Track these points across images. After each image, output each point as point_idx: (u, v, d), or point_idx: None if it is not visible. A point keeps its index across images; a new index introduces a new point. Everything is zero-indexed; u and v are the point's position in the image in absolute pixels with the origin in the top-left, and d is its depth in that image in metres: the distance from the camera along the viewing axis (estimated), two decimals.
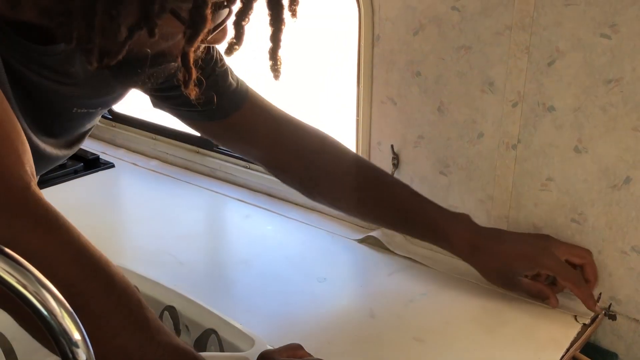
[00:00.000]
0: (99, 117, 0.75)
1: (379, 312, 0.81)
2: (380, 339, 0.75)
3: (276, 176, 0.91)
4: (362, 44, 0.92)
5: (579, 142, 0.77)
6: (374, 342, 0.74)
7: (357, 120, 0.98)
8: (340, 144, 0.88)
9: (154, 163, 1.36)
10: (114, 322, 0.50)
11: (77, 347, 0.31)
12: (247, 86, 0.82)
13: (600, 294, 0.80)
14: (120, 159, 1.36)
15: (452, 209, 0.90)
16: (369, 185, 0.87)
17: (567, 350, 0.74)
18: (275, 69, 0.55)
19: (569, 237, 0.81)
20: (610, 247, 0.78)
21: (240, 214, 1.13)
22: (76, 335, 0.31)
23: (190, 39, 0.49)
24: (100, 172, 1.30)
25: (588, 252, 0.80)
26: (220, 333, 0.76)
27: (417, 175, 0.94)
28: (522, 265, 0.79)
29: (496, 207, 0.87)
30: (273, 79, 0.56)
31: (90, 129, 0.73)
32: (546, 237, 0.82)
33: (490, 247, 0.81)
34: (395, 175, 0.97)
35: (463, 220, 0.83)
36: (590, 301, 0.77)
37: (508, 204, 0.85)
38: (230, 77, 0.79)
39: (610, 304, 0.80)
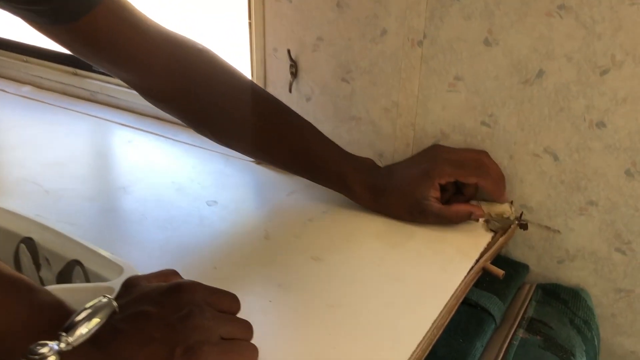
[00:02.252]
0: None
1: (274, 232, 0.72)
2: (274, 260, 0.66)
3: (155, 105, 0.76)
4: None
5: (489, 33, 0.69)
6: (267, 264, 0.65)
7: (250, 24, 0.86)
8: (233, 68, 0.74)
9: (26, 89, 1.19)
10: None
11: None
12: None
13: (511, 202, 0.75)
14: None
15: (356, 121, 0.82)
16: (270, 123, 0.75)
17: (477, 261, 0.68)
18: None
19: (479, 142, 0.74)
20: (521, 150, 0.72)
21: (122, 139, 1.00)
22: None
23: None
24: None
25: (484, 152, 0.74)
26: (86, 264, 0.64)
27: (317, 84, 0.84)
28: (422, 186, 0.71)
29: (402, 114, 0.79)
30: None
31: None
32: (434, 147, 0.76)
33: (387, 188, 0.74)
34: (295, 86, 0.87)
35: (366, 166, 0.76)
36: (499, 191, 0.73)
37: (414, 110, 0.77)
38: None
39: (522, 212, 0.75)
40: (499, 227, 0.74)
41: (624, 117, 0.63)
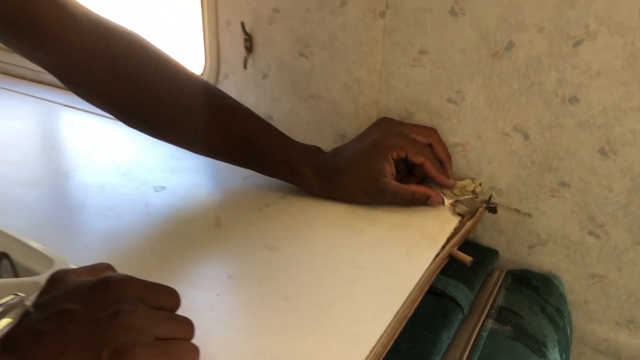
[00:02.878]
0: None
1: (226, 220, 0.66)
2: (225, 250, 0.61)
3: (77, 92, 0.67)
4: None
5: (455, 2, 0.64)
6: (217, 255, 0.60)
7: None
8: (164, 53, 0.66)
9: None
10: None
11: None
12: None
13: (479, 184, 0.70)
14: None
15: (316, 99, 0.76)
16: (206, 110, 0.67)
17: (443, 247, 0.63)
18: None
19: (445, 120, 0.70)
20: (490, 128, 0.67)
21: (66, 121, 0.93)
22: None
23: None
24: None
25: (433, 130, 0.70)
26: (14, 256, 0.57)
27: (274, 60, 0.79)
28: (375, 159, 0.66)
29: (364, 91, 0.73)
30: None
31: None
32: (385, 120, 0.72)
33: (339, 168, 0.68)
34: (250, 62, 0.81)
35: (312, 151, 0.71)
36: (444, 177, 0.69)
37: (377, 86, 0.72)
38: None
39: (491, 195, 0.71)
40: (466, 211, 0.70)
41: (598, 92, 0.59)
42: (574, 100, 0.61)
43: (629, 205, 0.62)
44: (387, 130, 0.68)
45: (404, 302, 0.54)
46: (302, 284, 0.55)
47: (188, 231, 0.64)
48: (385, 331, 0.50)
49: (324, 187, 0.69)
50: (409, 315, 0.54)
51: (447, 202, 0.70)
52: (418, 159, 0.67)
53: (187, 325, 0.45)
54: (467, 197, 0.70)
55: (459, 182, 0.70)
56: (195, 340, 0.45)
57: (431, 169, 0.68)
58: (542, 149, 0.65)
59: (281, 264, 0.59)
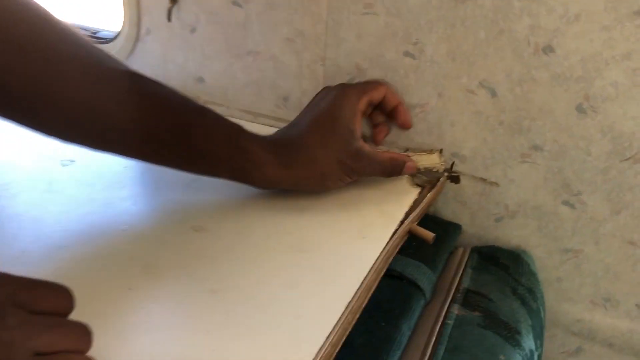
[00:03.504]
0: None
1: (144, 198, 0.56)
2: (141, 234, 0.50)
3: None
4: None
5: None
6: (130, 240, 0.49)
7: None
8: (66, 26, 0.47)
9: None
10: None
11: None
12: None
13: (440, 151, 0.62)
14: None
15: (254, 56, 0.66)
16: (125, 98, 0.48)
17: (401, 223, 0.54)
18: None
19: (401, 77, 0.60)
20: (452, 85, 0.58)
21: None
22: None
23: None
24: None
25: (382, 83, 0.62)
26: None
27: (203, 10, 0.67)
28: (341, 118, 0.54)
29: (308, 46, 0.63)
30: None
31: None
32: (328, 87, 0.59)
33: (301, 143, 0.54)
34: (175, 14, 0.69)
35: (260, 137, 0.54)
36: (407, 116, 0.62)
37: (323, 40, 0.62)
38: None
39: (453, 162, 0.62)
40: (426, 181, 0.61)
41: (577, 39, 0.51)
42: (548, 49, 0.53)
43: (609, 169, 0.55)
44: (340, 87, 0.57)
45: (358, 290, 0.45)
46: (234, 273, 0.46)
47: (99, 213, 0.53)
48: (335, 327, 0.41)
49: (286, 169, 0.53)
50: (364, 305, 0.45)
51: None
52: (394, 100, 0.61)
53: (80, 334, 0.35)
54: (435, 170, 0.61)
55: (424, 157, 0.61)
56: (94, 351, 0.35)
57: (394, 98, 0.61)
58: (511, 108, 0.56)
59: (209, 249, 0.49)
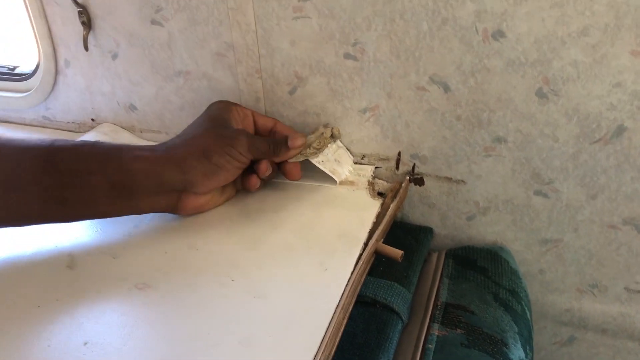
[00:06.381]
0: None
1: (82, 257, 0.50)
2: (79, 301, 0.45)
3: None
4: None
5: None
6: (69, 310, 0.44)
7: None
8: None
9: None
10: None
11: None
12: None
13: (399, 154, 0.57)
14: None
15: (184, 76, 0.60)
16: None
17: (365, 245, 0.50)
18: None
19: (346, 82, 0.55)
20: (401, 84, 0.53)
21: None
22: None
23: None
24: None
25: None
26: None
27: (121, 33, 0.61)
28: (220, 119, 0.53)
29: (241, 59, 0.58)
30: None
31: None
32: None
33: (177, 137, 0.51)
34: (92, 41, 0.63)
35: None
36: (295, 132, 0.56)
37: (256, 51, 0.57)
38: None
39: (414, 164, 0.58)
40: (388, 188, 0.56)
41: (527, 20, 0.46)
42: (498, 34, 0.48)
43: (579, 154, 0.51)
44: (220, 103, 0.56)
45: (325, 335, 0.40)
46: (185, 338, 0.41)
47: (30, 280, 0.47)
48: None
49: (165, 153, 0.49)
50: (334, 350, 0.41)
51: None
52: (267, 122, 0.57)
53: None
54: (330, 145, 0.56)
55: (311, 135, 0.57)
56: None
57: (283, 127, 0.57)
58: (467, 101, 0.52)
59: (155, 311, 0.43)
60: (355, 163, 0.60)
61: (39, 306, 0.44)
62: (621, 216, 0.53)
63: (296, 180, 0.58)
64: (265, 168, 0.53)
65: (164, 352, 0.39)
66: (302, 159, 0.55)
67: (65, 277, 0.47)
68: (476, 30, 0.48)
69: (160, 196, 0.50)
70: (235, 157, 0.50)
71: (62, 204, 0.47)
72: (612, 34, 0.45)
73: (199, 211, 0.54)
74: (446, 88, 0.52)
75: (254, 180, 0.54)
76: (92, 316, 0.43)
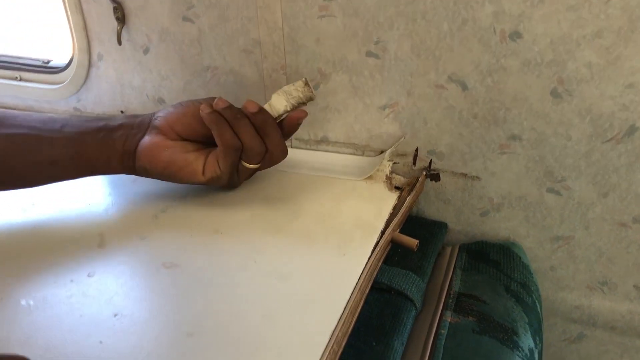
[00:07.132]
0: None
1: (111, 237, 0.53)
2: (109, 277, 0.47)
3: None
4: None
5: None
6: (100, 284, 0.46)
7: None
8: None
9: None
10: None
11: None
12: None
13: (416, 150, 0.59)
14: None
15: (212, 71, 0.62)
16: None
17: (382, 233, 0.52)
18: None
19: (367, 79, 0.58)
20: (421, 82, 0.56)
21: None
22: None
23: None
24: None
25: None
26: None
27: (153, 30, 0.64)
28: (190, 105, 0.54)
29: (267, 55, 0.60)
30: None
31: None
32: None
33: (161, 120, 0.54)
34: (125, 36, 0.66)
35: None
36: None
37: (282, 47, 0.59)
38: None
39: (431, 160, 0.60)
40: (404, 183, 0.59)
41: (544, 22, 0.49)
42: (515, 35, 0.50)
43: (591, 152, 0.53)
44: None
45: (341, 316, 0.42)
46: (211, 312, 0.43)
47: (63, 257, 0.50)
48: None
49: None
50: (350, 329, 0.43)
51: (385, 172, 0.57)
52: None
53: None
54: (307, 95, 0.52)
55: (284, 88, 0.53)
56: None
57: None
58: (484, 100, 0.54)
59: (182, 288, 0.46)
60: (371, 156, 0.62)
61: (71, 280, 0.47)
62: (632, 214, 0.55)
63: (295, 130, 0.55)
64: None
65: (190, 325, 0.41)
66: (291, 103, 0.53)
67: (96, 255, 0.50)
68: (494, 31, 0.50)
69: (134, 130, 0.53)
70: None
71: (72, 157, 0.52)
72: (626, 37, 0.47)
73: (154, 153, 0.53)
74: (464, 87, 0.54)
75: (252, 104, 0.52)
76: (121, 291, 0.45)
